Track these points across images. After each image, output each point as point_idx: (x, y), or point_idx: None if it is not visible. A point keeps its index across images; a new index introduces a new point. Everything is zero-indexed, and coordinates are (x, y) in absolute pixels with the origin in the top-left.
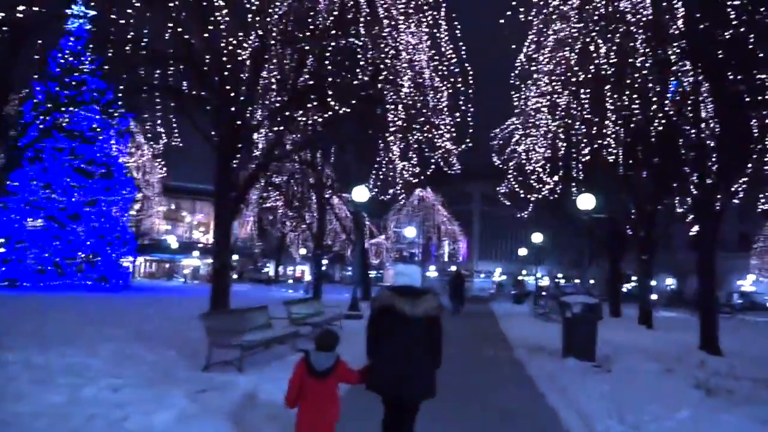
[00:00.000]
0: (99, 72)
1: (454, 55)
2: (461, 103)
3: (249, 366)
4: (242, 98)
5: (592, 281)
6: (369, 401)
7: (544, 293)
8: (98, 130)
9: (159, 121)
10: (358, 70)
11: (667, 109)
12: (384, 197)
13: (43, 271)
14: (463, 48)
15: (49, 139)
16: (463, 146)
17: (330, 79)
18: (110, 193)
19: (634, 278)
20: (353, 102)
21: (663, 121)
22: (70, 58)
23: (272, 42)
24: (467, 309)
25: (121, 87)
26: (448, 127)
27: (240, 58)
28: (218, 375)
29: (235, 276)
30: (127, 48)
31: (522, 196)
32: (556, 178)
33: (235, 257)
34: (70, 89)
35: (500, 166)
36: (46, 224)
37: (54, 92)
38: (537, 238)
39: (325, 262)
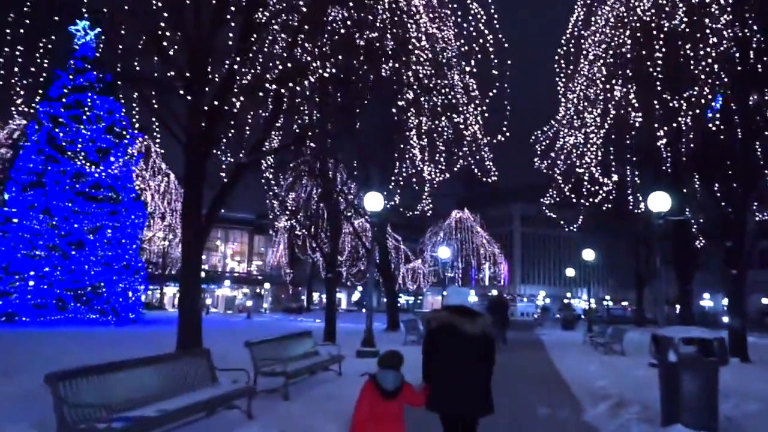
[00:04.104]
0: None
1: (483, 14)
2: (495, 72)
3: None
4: (219, 78)
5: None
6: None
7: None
8: (106, 150)
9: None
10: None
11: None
12: (412, 213)
13: (43, 306)
14: (495, 16)
15: (49, 161)
16: (499, 136)
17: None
18: (118, 218)
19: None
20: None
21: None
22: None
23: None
24: (510, 336)
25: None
26: (480, 110)
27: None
28: None
29: (265, 305)
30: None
31: (573, 201)
32: (615, 177)
33: (267, 285)
34: (75, 108)
35: (544, 170)
36: (46, 253)
37: (57, 112)
38: (588, 255)
39: (359, 288)
